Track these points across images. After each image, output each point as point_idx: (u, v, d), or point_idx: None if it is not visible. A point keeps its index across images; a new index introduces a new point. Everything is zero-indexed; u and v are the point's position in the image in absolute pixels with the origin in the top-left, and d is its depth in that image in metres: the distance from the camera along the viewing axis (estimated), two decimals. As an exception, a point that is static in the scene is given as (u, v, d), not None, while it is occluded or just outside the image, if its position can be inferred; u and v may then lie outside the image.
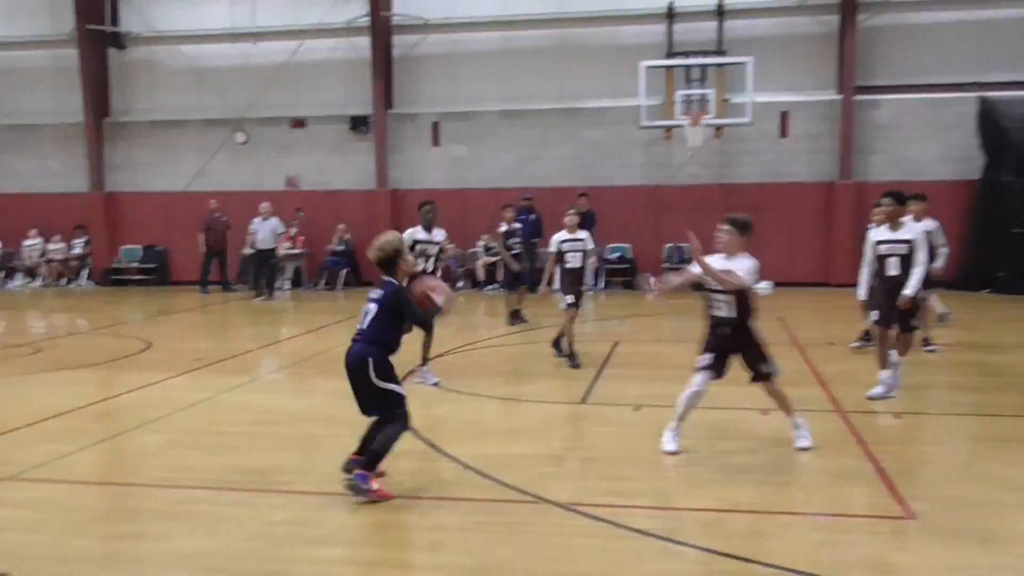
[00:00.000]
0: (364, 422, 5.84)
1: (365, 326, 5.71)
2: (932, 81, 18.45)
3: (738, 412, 8.14)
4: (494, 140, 20.16)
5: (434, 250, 10.02)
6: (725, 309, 6.65)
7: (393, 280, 5.79)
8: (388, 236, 5.95)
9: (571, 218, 10.74)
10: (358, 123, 20.52)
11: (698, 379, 6.76)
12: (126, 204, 21.76)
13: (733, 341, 6.69)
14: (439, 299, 5.79)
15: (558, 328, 10.81)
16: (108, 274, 21.50)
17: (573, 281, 10.48)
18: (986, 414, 8.12)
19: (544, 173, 19.84)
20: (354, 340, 5.74)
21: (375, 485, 5.60)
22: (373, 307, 5.73)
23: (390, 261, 5.79)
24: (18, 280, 21.66)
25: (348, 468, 5.70)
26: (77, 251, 21.68)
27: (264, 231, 18.44)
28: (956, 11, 18.38)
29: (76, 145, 21.68)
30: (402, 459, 6.69)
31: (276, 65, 20.79)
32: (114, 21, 21.41)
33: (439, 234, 10.15)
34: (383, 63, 20.28)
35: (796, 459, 6.66)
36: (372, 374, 5.58)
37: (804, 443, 6.80)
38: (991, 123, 17.67)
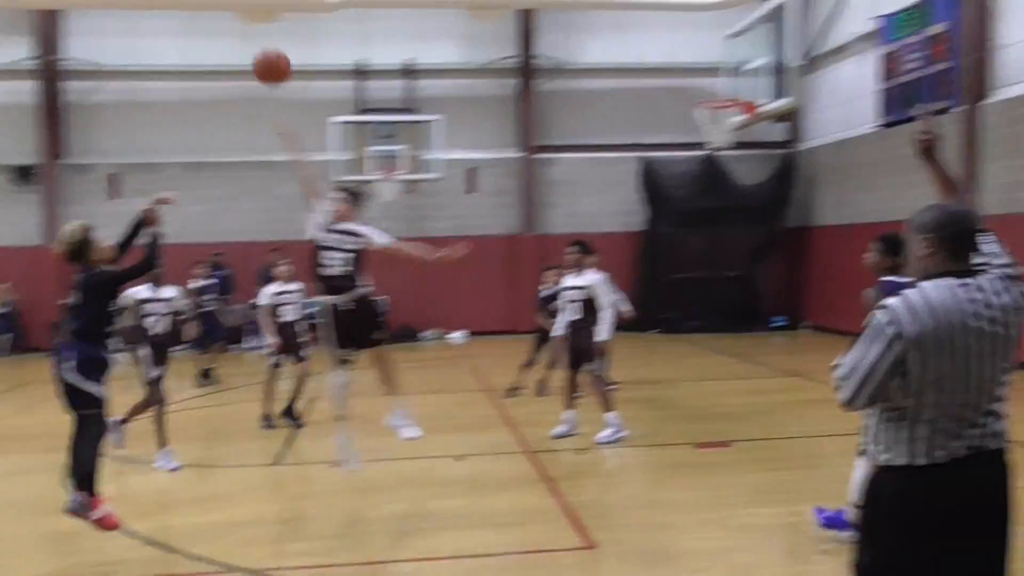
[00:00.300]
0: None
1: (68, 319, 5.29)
2: (600, 142, 20.20)
3: (434, 460, 8.29)
4: (180, 193, 19.14)
5: (163, 309, 8.88)
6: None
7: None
8: (70, 226, 5.63)
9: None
10: (23, 173, 18.74)
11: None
12: None
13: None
14: None
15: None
16: None
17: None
18: (658, 444, 8.85)
19: (235, 227, 19.23)
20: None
21: (98, 511, 5.13)
22: (74, 296, 5.30)
23: (79, 251, 5.30)
24: None
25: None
26: None
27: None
28: (618, 79, 20.29)
29: None
30: (74, 539, 6.11)
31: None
32: None
33: (169, 291, 9.00)
34: (51, 109, 18.75)
35: (487, 501, 6.89)
36: (75, 368, 5.27)
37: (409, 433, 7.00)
38: (651, 181, 19.65)
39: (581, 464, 8.21)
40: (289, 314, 10.27)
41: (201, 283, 13.31)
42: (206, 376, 13.15)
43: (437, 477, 7.73)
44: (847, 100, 17.96)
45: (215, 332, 13.20)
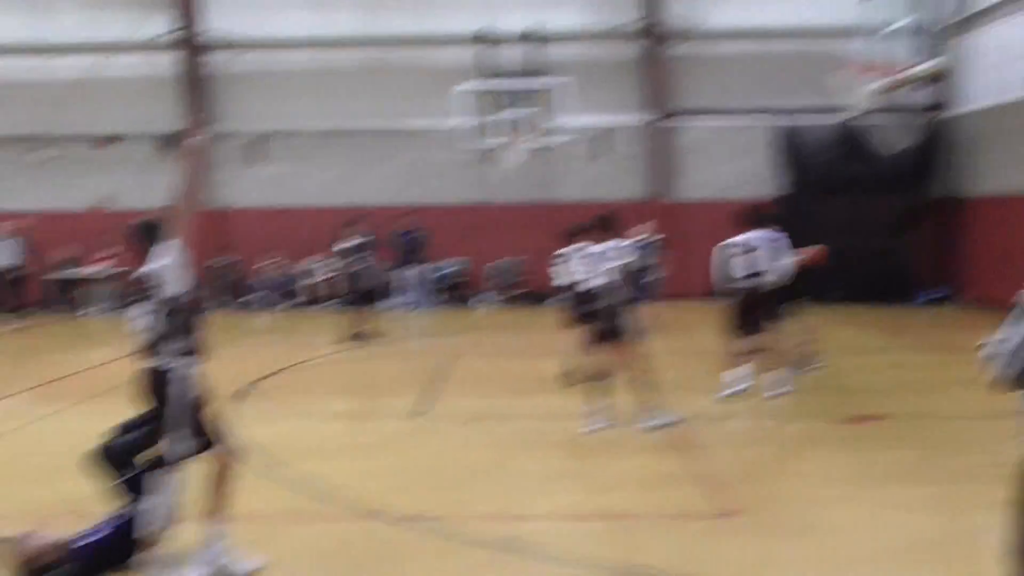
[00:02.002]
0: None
1: None
2: (731, 107, 19.73)
3: (568, 420, 8.41)
4: (315, 159, 19.93)
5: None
6: None
7: None
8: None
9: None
10: (168, 141, 19.73)
11: None
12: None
13: None
14: None
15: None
16: None
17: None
18: (802, 415, 8.64)
19: (371, 192, 19.76)
20: None
21: None
22: None
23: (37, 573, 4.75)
24: None
25: None
26: None
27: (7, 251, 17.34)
28: (749, 43, 19.73)
29: None
30: (238, 480, 6.53)
31: (77, 80, 19.70)
32: None
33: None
34: (193, 81, 19.68)
35: (620, 464, 6.97)
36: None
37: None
38: (788, 147, 19.11)
39: (721, 430, 8.16)
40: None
41: (347, 244, 13.78)
42: (358, 336, 13.67)
43: (572, 437, 7.84)
44: (1004, 63, 16.93)
45: (366, 291, 13.78)
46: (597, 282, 8.00)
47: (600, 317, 7.97)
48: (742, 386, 9.11)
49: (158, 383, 4.62)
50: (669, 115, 19.75)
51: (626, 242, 8.20)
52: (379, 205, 19.38)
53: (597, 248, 8.17)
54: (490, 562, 4.94)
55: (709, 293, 10.38)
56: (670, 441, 7.57)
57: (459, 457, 7.16)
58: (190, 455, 4.67)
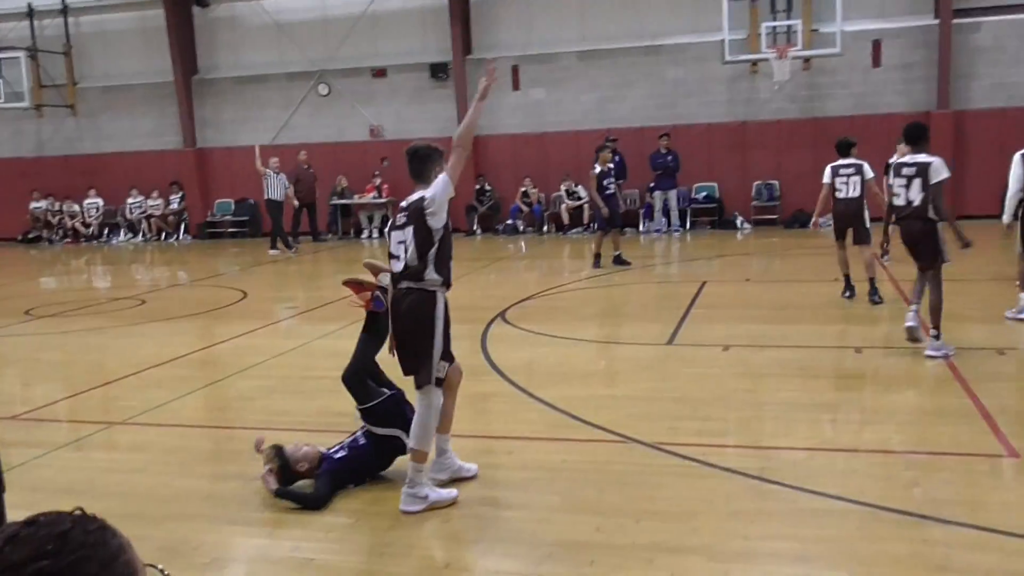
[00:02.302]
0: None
1: None
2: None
3: (829, 351, 7.99)
4: (573, 82, 19.91)
5: None
6: None
7: None
8: (266, 463, 5.07)
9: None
10: (437, 70, 20.50)
11: None
12: (216, 159, 22.29)
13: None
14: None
15: None
16: (203, 228, 22.15)
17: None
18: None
19: (625, 114, 19.53)
20: None
21: None
22: None
23: (288, 479, 5.04)
24: (121, 236, 22.53)
25: None
26: (174, 207, 22.37)
27: (277, 185, 18.43)
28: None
29: (167, 103, 22.24)
30: (492, 401, 6.82)
31: (354, 16, 20.87)
32: (197, -21, 21.77)
33: None
34: (460, 8, 20.13)
35: (890, 398, 6.52)
36: None
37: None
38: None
39: (1002, 365, 7.43)
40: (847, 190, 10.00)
41: (600, 169, 13.73)
42: (618, 259, 13.68)
43: (835, 368, 7.45)
44: None
45: (615, 217, 13.65)
46: (912, 198, 7.41)
47: (915, 236, 7.44)
48: None
49: (423, 306, 4.80)
50: (959, 14, 17.73)
51: (934, 157, 7.46)
52: (636, 126, 19.15)
53: (908, 161, 7.55)
54: (744, 491, 4.81)
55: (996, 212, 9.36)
56: (945, 374, 6.97)
57: (711, 385, 7.00)
58: (442, 374, 4.88)
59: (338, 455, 5.16)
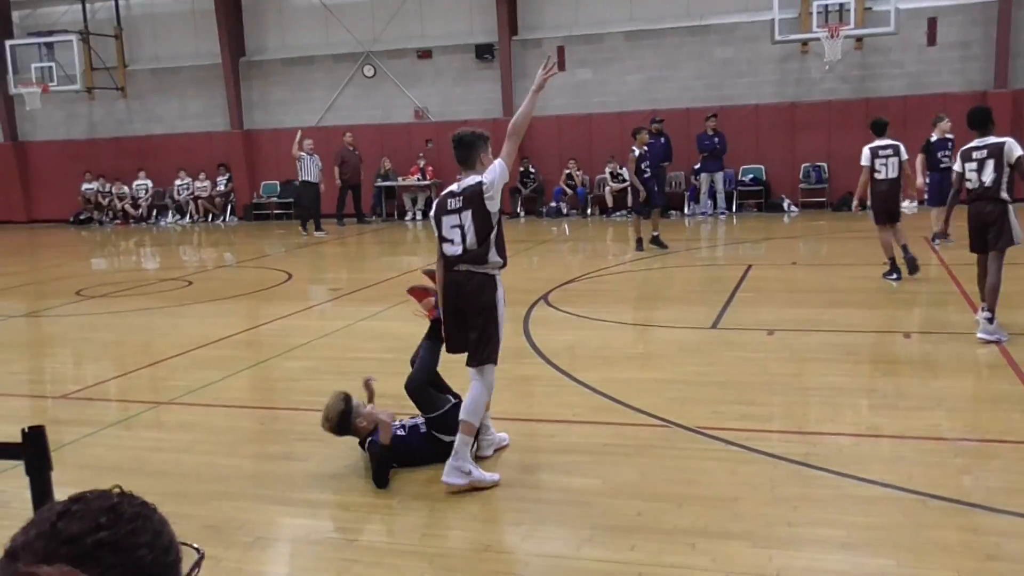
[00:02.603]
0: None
1: None
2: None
3: (876, 335, 7.85)
4: (619, 63, 19.72)
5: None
6: None
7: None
8: (331, 402, 5.16)
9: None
10: (483, 51, 20.44)
11: None
12: (263, 141, 22.50)
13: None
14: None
15: None
16: (250, 209, 22.39)
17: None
18: None
19: (671, 95, 19.31)
20: None
21: None
22: None
23: (342, 426, 5.17)
24: (169, 217, 22.87)
25: None
26: (221, 188, 22.64)
27: (311, 166, 18.47)
28: None
29: (215, 85, 22.48)
30: (534, 384, 6.80)
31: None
32: (244, -39, 21.92)
33: None
34: (505, -10, 20.04)
35: (940, 383, 6.39)
36: None
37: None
38: None
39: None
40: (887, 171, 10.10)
41: (639, 152, 13.60)
42: (656, 241, 13.56)
43: (882, 353, 7.31)
44: None
45: (653, 199, 13.50)
46: (985, 180, 7.40)
47: (986, 217, 7.37)
48: None
49: (487, 288, 4.87)
50: (1016, -10, 17.22)
51: (1006, 138, 7.51)
52: (683, 108, 18.94)
53: (977, 144, 7.54)
54: (789, 476, 4.74)
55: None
56: (998, 360, 6.80)
57: (756, 369, 6.91)
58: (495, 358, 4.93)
59: (398, 432, 5.20)
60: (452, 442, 4.98)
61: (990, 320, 7.25)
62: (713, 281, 11.31)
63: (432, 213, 5.09)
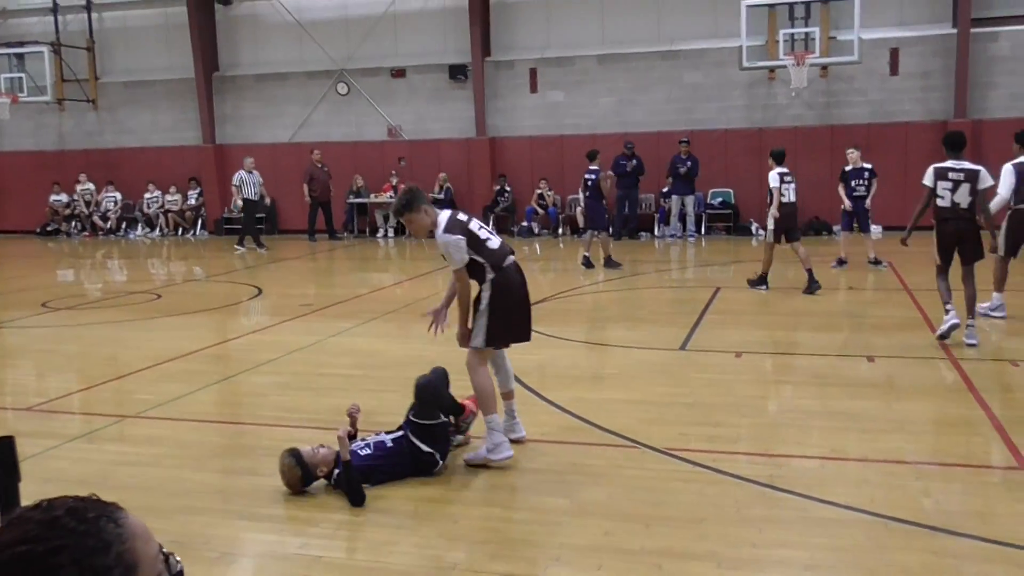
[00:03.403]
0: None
1: None
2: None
3: (842, 359, 7.97)
4: (591, 85, 19.90)
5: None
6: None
7: None
8: (284, 468, 5.04)
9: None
10: (456, 71, 20.54)
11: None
12: (235, 156, 22.34)
13: None
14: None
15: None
16: (221, 224, 22.23)
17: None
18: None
19: (642, 118, 19.51)
20: None
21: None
22: None
23: (306, 481, 5.07)
24: (138, 230, 22.66)
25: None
26: (192, 202, 22.49)
27: (251, 183, 18.61)
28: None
29: (187, 99, 22.36)
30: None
31: (375, 16, 20.93)
32: (219, -24, 21.89)
33: None
34: (480, 10, 20.15)
35: (901, 406, 6.50)
36: None
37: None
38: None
39: (1015, 376, 7.38)
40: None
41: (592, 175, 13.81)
42: (610, 263, 13.73)
43: (847, 376, 7.42)
44: None
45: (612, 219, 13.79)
46: (959, 201, 8.10)
47: (964, 235, 8.14)
48: (1001, 313, 9.24)
49: (480, 297, 5.48)
50: (978, 23, 17.63)
51: (979, 166, 8.35)
52: (654, 131, 19.13)
53: (953, 166, 8.26)
54: (755, 498, 4.80)
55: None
56: (958, 384, 6.93)
57: (723, 391, 6.98)
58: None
59: (363, 451, 5.19)
60: (429, 452, 5.03)
61: (973, 324, 8.14)
62: (682, 303, 11.42)
63: (466, 218, 5.64)
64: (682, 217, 18.66)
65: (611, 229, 13.99)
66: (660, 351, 8.52)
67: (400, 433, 5.30)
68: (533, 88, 20.26)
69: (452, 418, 5.48)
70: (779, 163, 11.42)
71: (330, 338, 9.37)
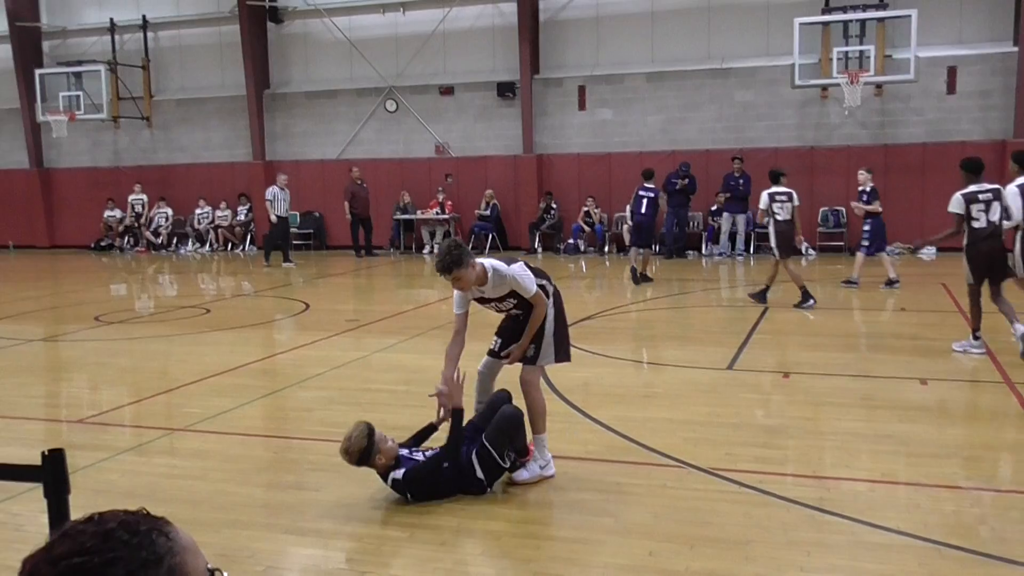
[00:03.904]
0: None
1: None
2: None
3: (893, 381, 7.81)
4: (640, 103, 19.87)
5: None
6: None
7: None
8: (354, 434, 5.11)
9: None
10: (505, 89, 20.64)
11: None
12: (285, 172, 22.67)
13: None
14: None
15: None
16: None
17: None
18: None
19: (691, 136, 19.43)
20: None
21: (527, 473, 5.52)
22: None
23: (361, 461, 5.14)
24: (189, 246, 23.06)
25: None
26: (241, 218, 22.84)
27: (283, 200, 18.75)
28: None
29: (238, 117, 22.76)
30: (548, 419, 6.77)
31: (424, 34, 21.15)
32: (272, -4, 22.31)
33: None
34: (529, 28, 20.25)
35: (955, 431, 6.34)
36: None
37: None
38: None
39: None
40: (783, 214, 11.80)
41: (647, 191, 13.77)
42: (643, 277, 13.81)
43: (899, 399, 7.26)
44: None
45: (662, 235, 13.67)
46: (993, 219, 8.40)
47: (996, 253, 8.40)
48: None
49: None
50: (1037, 41, 17.26)
51: (995, 184, 8.64)
52: (703, 149, 19.03)
53: (979, 189, 8.54)
54: (802, 521, 4.70)
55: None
56: (1015, 409, 6.74)
57: (770, 411, 6.88)
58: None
59: (415, 455, 5.23)
60: (481, 480, 5.15)
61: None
62: (730, 322, 11.30)
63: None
64: (732, 236, 18.51)
65: (656, 247, 13.99)
66: (707, 370, 8.42)
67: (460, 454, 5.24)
68: (581, 106, 20.28)
69: (514, 456, 5.40)
70: (775, 183, 11.96)
71: (376, 354, 9.42)
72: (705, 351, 9.31)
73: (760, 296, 11.96)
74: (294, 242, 22.31)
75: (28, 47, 23.85)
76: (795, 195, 12.03)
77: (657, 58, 19.75)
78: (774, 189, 11.94)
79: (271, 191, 18.78)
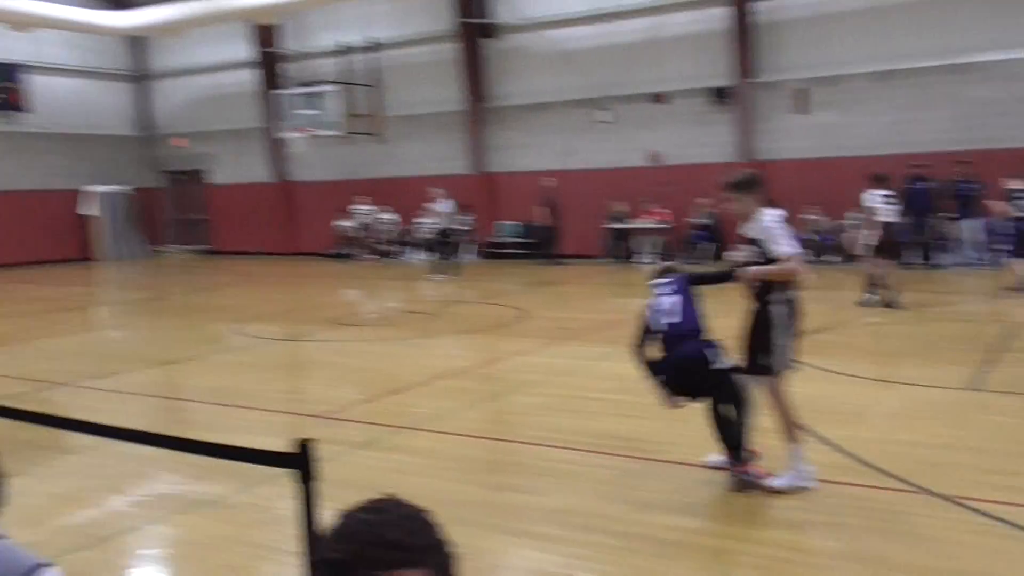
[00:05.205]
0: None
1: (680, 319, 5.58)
2: None
3: None
4: (866, 104, 18.84)
5: None
6: None
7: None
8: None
9: None
10: (719, 95, 20.21)
11: None
12: (500, 183, 23.35)
13: None
14: None
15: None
16: (484, 247, 23.20)
17: None
18: None
19: (923, 137, 18.17)
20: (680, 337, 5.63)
21: (751, 470, 5.46)
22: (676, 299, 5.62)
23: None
24: (415, 253, 24.14)
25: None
26: (464, 227, 23.62)
27: (448, 212, 19.20)
28: None
29: (455, 131, 23.62)
30: (769, 436, 6.55)
31: (636, 42, 21.09)
32: (487, 13, 22.97)
33: None
34: (742, 32, 19.72)
35: None
36: (712, 363, 5.46)
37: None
38: None
39: None
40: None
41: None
42: (881, 289, 12.79)
43: None
44: None
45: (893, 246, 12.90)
46: None
47: None
48: None
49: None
50: None
51: None
52: (938, 151, 17.78)
53: None
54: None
55: None
56: None
57: (1019, 436, 6.31)
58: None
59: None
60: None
61: None
62: (971, 338, 10.46)
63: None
64: (967, 244, 17.19)
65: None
66: (944, 389, 7.85)
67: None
68: (801, 108, 19.50)
69: (735, 453, 5.36)
70: (880, 184, 12.23)
71: (591, 362, 9.48)
72: (943, 369, 8.68)
73: (891, 303, 12.06)
74: (514, 251, 22.89)
75: (269, 71, 25.91)
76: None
77: (884, 55, 18.58)
78: (882, 191, 12.19)
79: (439, 204, 19.65)
